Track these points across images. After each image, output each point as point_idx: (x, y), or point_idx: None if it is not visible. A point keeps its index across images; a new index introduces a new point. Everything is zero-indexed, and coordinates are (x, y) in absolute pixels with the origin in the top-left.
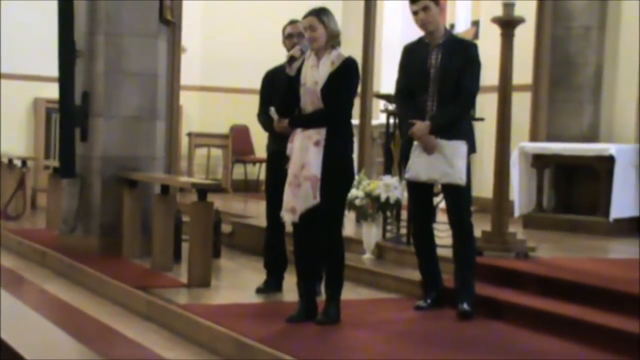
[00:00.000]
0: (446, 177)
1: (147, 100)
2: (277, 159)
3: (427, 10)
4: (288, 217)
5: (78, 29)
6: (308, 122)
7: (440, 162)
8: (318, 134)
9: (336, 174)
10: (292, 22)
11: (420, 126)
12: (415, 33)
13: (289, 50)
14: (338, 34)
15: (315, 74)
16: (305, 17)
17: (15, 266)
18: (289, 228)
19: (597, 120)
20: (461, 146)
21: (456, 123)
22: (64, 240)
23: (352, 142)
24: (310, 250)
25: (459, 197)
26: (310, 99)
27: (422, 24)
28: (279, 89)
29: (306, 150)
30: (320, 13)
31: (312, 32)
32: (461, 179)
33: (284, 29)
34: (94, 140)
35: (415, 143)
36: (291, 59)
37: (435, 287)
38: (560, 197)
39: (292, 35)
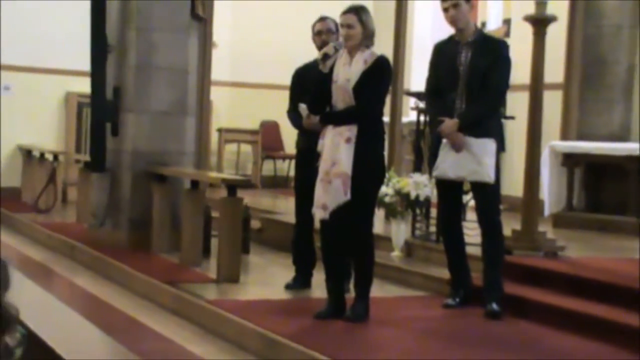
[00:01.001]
0: (474, 175)
1: (177, 95)
2: (307, 156)
3: (458, 7)
4: (319, 214)
5: (110, 24)
6: (339, 119)
7: (469, 160)
8: (349, 131)
9: (367, 171)
10: (322, 19)
11: (449, 124)
12: (445, 31)
13: (318, 46)
14: (374, 34)
15: (347, 72)
16: (345, 13)
17: (45, 259)
18: (317, 225)
19: (628, 120)
20: (490, 144)
21: (485, 121)
22: (94, 234)
23: (383, 140)
24: (339, 248)
25: (487, 195)
26: (341, 97)
27: (452, 21)
28: (310, 85)
29: (337, 147)
30: (360, 11)
31: (349, 29)
32: (489, 177)
33: (313, 26)
34: (124, 135)
35: (444, 141)
36: (325, 56)
37: (464, 286)
38: (591, 196)
39: (321, 32)
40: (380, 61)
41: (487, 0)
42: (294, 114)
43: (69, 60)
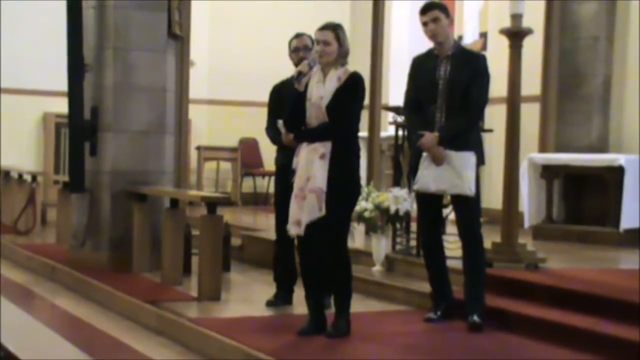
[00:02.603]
0: (455, 188)
1: (155, 114)
2: (286, 172)
3: (437, 22)
4: (294, 230)
5: (87, 44)
6: (313, 136)
7: (449, 173)
8: (323, 147)
9: (342, 187)
10: (298, 36)
11: (429, 137)
12: (423, 45)
13: (295, 63)
14: (348, 53)
15: (321, 90)
16: (322, 29)
17: (25, 281)
18: (297, 241)
19: (606, 131)
20: (470, 157)
21: (465, 134)
22: (74, 255)
23: (358, 157)
24: (317, 264)
25: (468, 208)
26: (315, 114)
27: (432, 35)
28: (287, 102)
29: (312, 163)
30: (337, 28)
31: (325, 46)
32: (470, 190)
33: (290, 43)
34: (103, 155)
35: (424, 154)
36: (299, 75)
37: (445, 299)
38: (570, 207)
39: (298, 49)
40: (354, 78)
41: (463, 13)
42: (272, 131)
43: (46, 80)
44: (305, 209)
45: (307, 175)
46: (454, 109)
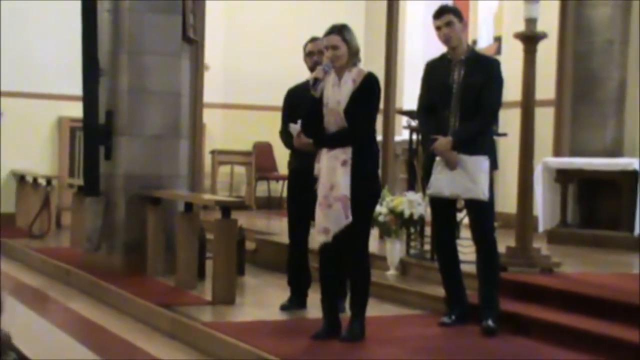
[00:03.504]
0: (468, 193)
1: (170, 118)
2: (299, 176)
3: (451, 26)
4: (321, 238)
5: (101, 48)
6: (333, 142)
7: (463, 178)
8: (344, 154)
9: (364, 192)
10: (313, 40)
11: (442, 142)
12: (436, 49)
13: (309, 67)
14: (359, 51)
15: (337, 94)
16: (328, 35)
17: (40, 284)
18: (312, 245)
19: (621, 135)
20: (483, 161)
21: (478, 138)
22: (88, 259)
23: (377, 158)
24: (337, 268)
25: (482, 212)
26: (333, 119)
27: (445, 40)
28: (301, 106)
29: (334, 171)
30: (342, 31)
31: (335, 50)
32: (484, 194)
33: (304, 47)
34: (117, 159)
35: (438, 159)
36: (315, 81)
37: (460, 303)
38: (584, 212)
39: (312, 53)
40: (369, 79)
41: (478, 17)
42: (286, 135)
43: (61, 85)
44: (331, 218)
45: (331, 184)
46: (468, 114)
